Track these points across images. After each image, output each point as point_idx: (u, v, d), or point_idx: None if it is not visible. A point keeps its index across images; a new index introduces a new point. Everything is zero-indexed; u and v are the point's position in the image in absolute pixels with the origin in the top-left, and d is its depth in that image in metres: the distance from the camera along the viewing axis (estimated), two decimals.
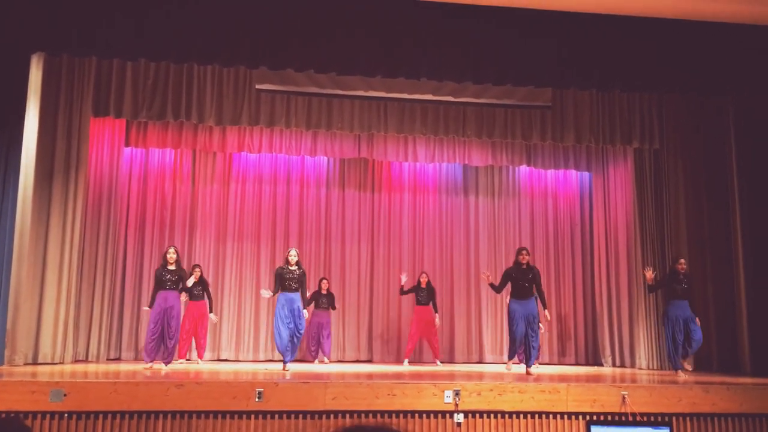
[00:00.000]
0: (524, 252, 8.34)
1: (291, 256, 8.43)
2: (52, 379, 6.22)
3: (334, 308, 10.17)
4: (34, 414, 5.67)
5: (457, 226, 11.56)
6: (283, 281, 8.31)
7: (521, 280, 8.22)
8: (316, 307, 9.91)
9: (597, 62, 8.26)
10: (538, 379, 7.31)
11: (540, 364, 10.39)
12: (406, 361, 10.14)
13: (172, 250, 8.41)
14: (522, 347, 8.30)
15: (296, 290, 8.33)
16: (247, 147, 10.67)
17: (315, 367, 9.07)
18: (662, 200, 10.32)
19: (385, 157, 11.12)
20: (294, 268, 8.37)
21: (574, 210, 11.88)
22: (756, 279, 9.32)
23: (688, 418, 6.38)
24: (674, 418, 6.31)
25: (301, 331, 8.38)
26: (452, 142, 10.95)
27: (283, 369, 8.15)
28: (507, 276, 8.43)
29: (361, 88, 9.47)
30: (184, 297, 8.96)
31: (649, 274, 8.72)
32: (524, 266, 8.24)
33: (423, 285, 10.21)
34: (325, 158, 11.30)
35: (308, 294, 9.38)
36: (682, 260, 8.68)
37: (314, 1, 7.86)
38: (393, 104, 9.82)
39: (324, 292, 10.01)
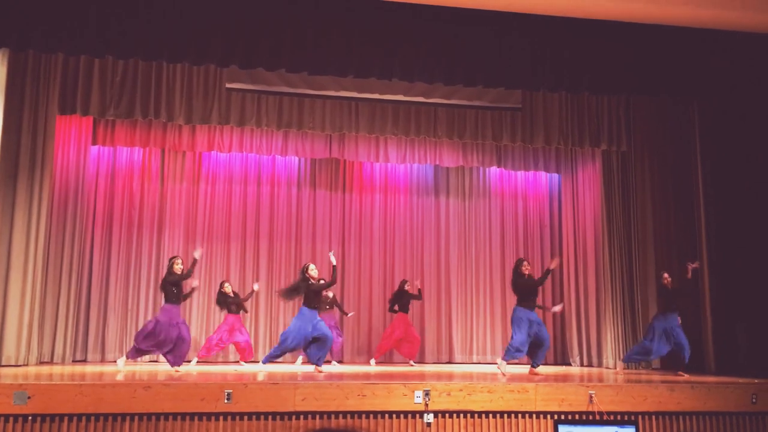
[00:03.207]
0: (525, 264, 8.36)
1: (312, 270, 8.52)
2: (16, 381, 6.10)
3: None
4: None
5: (428, 226, 11.61)
6: None
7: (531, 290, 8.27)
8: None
9: (566, 65, 8.37)
10: (509, 378, 7.37)
11: (510, 363, 10.46)
12: (411, 361, 10.27)
13: (179, 260, 8.28)
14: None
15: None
16: (217, 146, 10.59)
17: (287, 368, 9.04)
18: (629, 201, 10.48)
19: (356, 158, 11.12)
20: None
21: (543, 211, 12.00)
22: (720, 279, 9.50)
23: (653, 417, 6.48)
24: (640, 417, 6.40)
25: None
26: (423, 142, 10.99)
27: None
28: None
29: (332, 88, 9.46)
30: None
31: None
32: (527, 276, 8.28)
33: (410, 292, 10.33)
34: (296, 158, 11.26)
35: None
36: (665, 274, 8.84)
37: (286, 1, 7.84)
38: (364, 104, 9.82)
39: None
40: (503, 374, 7.88)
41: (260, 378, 7.00)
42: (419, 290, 10.57)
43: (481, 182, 11.94)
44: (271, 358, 8.48)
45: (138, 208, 10.69)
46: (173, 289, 8.16)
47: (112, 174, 10.70)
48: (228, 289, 9.52)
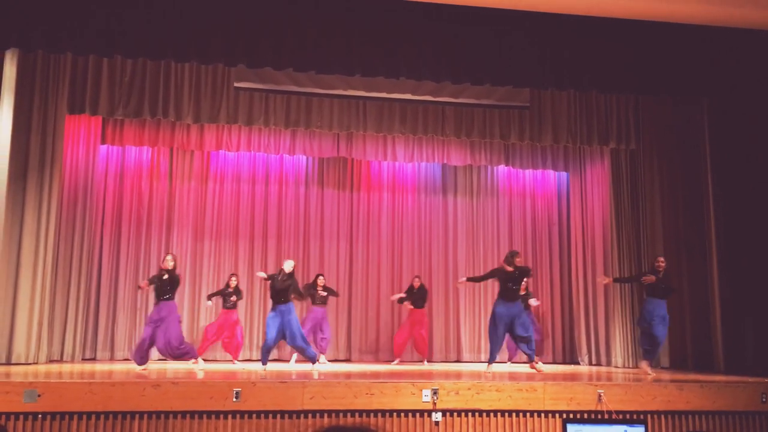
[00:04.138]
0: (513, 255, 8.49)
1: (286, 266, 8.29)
2: (26, 379, 6.14)
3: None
4: (8, 415, 5.60)
5: (436, 225, 11.60)
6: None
7: (510, 282, 8.30)
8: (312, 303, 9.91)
9: (574, 63, 8.34)
10: (515, 377, 7.36)
11: (517, 362, 10.45)
12: (397, 360, 10.25)
13: (169, 257, 8.18)
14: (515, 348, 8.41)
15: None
16: (226, 145, 10.61)
17: (295, 366, 9.05)
18: (638, 200, 10.43)
19: (364, 156, 11.12)
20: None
21: (551, 210, 11.97)
22: (729, 277, 9.46)
23: (662, 416, 6.46)
24: (649, 416, 6.38)
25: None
26: (431, 141, 10.98)
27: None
28: (493, 273, 8.61)
29: (340, 87, 9.44)
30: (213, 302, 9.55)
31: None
32: (514, 270, 8.30)
33: (416, 288, 10.31)
34: (304, 157, 11.27)
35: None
36: (660, 258, 8.73)
37: (293, 0, 7.85)
38: (372, 103, 9.81)
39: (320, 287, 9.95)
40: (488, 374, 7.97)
41: (294, 377, 7.01)
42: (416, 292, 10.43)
43: (489, 181, 11.92)
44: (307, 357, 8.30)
45: (147, 207, 10.73)
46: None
47: (121, 173, 10.75)
48: (233, 283, 9.52)
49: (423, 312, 10.30)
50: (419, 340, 10.23)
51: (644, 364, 8.33)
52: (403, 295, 10.38)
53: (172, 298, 8.07)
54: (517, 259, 8.40)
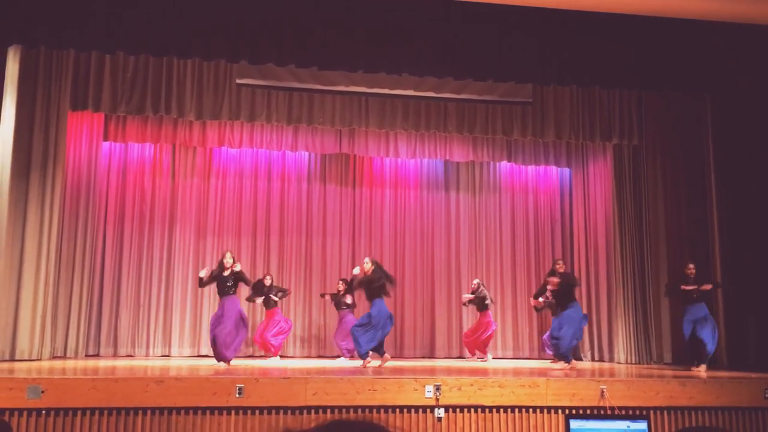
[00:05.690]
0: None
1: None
2: (30, 375, 6.15)
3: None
4: (11, 411, 5.61)
5: (438, 221, 11.60)
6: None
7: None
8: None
9: (577, 59, 8.34)
10: (518, 372, 7.36)
11: (520, 358, 10.50)
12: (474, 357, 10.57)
13: (228, 254, 8.21)
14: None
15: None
16: (228, 142, 10.62)
17: (298, 363, 9.07)
18: (641, 196, 10.41)
19: (366, 153, 11.12)
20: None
21: (554, 206, 11.96)
22: (732, 274, 9.45)
23: (665, 412, 6.46)
24: (652, 412, 6.38)
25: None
26: (433, 137, 10.97)
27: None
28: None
29: (342, 83, 9.44)
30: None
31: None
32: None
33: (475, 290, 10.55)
34: (306, 153, 11.27)
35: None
36: (690, 265, 8.69)
37: None
38: (374, 99, 9.81)
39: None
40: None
41: (296, 373, 7.02)
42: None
43: (492, 177, 11.90)
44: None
45: (149, 204, 10.74)
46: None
47: (124, 170, 10.75)
48: (267, 281, 9.69)
49: (486, 313, 10.40)
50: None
51: (701, 368, 8.26)
52: (471, 296, 10.53)
53: (232, 293, 8.07)
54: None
